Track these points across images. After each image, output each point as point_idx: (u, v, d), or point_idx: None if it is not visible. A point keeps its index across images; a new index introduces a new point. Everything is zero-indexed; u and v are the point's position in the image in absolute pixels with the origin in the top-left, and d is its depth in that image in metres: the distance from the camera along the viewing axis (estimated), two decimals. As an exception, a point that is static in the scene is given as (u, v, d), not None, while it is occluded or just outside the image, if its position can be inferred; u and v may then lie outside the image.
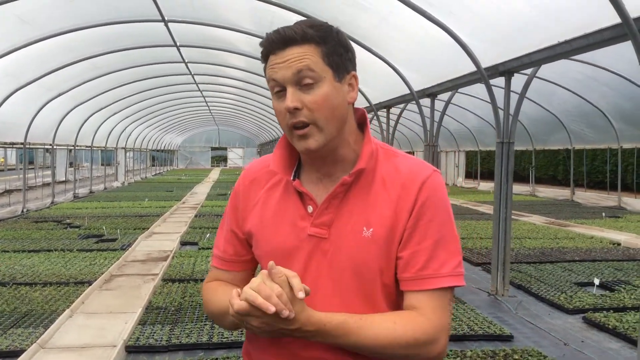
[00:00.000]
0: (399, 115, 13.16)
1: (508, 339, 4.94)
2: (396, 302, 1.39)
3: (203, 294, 1.58)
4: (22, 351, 4.38)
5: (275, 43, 1.33)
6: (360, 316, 1.30)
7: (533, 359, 4.37)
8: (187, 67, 15.22)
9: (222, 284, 1.54)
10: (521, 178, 24.41)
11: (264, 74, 1.39)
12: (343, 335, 1.27)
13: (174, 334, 4.82)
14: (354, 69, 1.40)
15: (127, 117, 22.01)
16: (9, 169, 32.72)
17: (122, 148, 26.06)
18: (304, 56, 1.31)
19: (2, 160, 35.16)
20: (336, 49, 1.34)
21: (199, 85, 19.16)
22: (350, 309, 1.34)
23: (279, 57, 1.32)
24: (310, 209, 1.40)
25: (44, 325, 5.04)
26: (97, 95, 15.85)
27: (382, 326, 1.29)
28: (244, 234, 1.52)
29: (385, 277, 1.36)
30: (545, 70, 10.01)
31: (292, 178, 1.43)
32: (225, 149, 52.08)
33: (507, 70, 6.32)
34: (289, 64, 1.31)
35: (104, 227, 10.74)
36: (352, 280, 1.35)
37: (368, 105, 12.12)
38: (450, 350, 4.53)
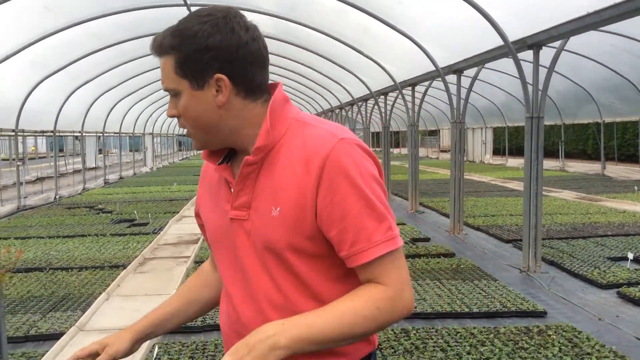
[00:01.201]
0: (424, 93, 13.02)
1: (541, 315, 4.92)
2: (343, 275, 1.35)
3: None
4: (61, 334, 4.49)
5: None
6: (314, 310, 1.28)
7: (567, 334, 4.35)
8: (211, 51, 15.24)
9: (199, 277, 1.69)
10: (550, 153, 24.05)
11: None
12: (307, 331, 1.23)
13: (208, 315, 4.88)
14: (224, 68, 1.28)
15: (153, 103, 22.19)
16: (39, 157, 33.35)
17: (150, 134, 26.34)
18: (164, 70, 1.32)
19: (33, 148, 35.79)
20: (192, 55, 1.28)
21: (223, 68, 19.22)
22: (282, 286, 1.34)
23: None
24: (232, 191, 1.39)
25: (81, 308, 5.16)
26: (123, 82, 15.98)
27: (343, 305, 1.26)
28: (201, 220, 1.57)
29: (307, 254, 1.32)
30: (574, 42, 9.81)
31: (219, 162, 1.43)
32: (251, 131, 52.23)
33: (535, 43, 6.21)
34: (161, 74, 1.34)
35: (135, 212, 10.91)
36: (272, 258, 1.34)
37: (392, 83, 11.99)
38: (483, 327, 4.53)
